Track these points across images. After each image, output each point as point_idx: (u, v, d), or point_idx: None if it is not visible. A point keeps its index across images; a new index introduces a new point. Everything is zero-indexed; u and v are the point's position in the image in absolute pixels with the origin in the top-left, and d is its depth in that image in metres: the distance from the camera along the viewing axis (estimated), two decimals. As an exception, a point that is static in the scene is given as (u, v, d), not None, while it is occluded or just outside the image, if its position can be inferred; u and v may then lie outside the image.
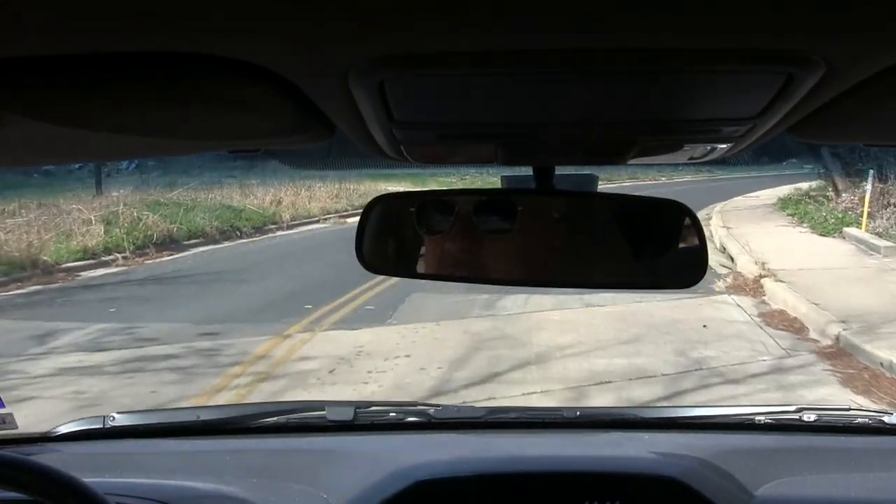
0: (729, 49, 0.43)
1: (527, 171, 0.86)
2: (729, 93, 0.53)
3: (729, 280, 8.50)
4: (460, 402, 4.08)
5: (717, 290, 8.06)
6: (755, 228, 12.46)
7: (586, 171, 0.91)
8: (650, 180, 27.05)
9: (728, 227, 12.66)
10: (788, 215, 14.45)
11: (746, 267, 9.00)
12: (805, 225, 12.82)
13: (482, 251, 0.88)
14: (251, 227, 14.46)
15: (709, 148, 0.77)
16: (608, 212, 0.91)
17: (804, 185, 19.44)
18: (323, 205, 17.47)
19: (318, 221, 16.28)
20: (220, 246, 12.90)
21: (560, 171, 0.86)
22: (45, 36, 0.39)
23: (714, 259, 10.02)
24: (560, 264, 0.90)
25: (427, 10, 0.37)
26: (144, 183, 18.49)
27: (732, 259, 9.84)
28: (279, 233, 14.72)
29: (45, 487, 0.94)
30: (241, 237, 13.88)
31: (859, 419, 1.58)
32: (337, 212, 17.27)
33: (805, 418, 1.54)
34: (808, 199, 15.85)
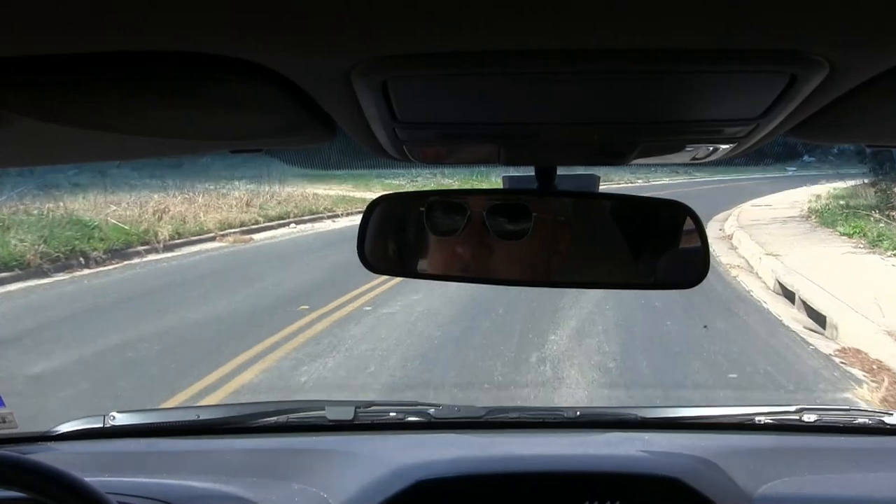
0: (732, 49, 0.43)
1: (527, 171, 0.87)
2: (732, 93, 0.53)
3: (882, 387, 4.39)
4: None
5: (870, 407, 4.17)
6: (814, 256, 8.76)
7: (586, 171, 0.92)
8: (625, 182, 24.24)
9: (775, 255, 8.92)
10: (844, 235, 10.76)
11: (871, 341, 5.18)
12: (890, 252, 9.10)
13: (484, 251, 0.89)
14: (105, 251, 10.23)
15: (711, 148, 0.76)
16: (611, 212, 0.92)
17: (820, 190, 16.26)
18: (224, 216, 13.30)
19: (213, 239, 12.16)
20: (42, 282, 8.70)
21: (561, 171, 0.87)
22: (45, 36, 0.39)
23: (788, 316, 6.24)
24: (563, 265, 0.91)
25: (430, 10, 0.37)
26: (38, 187, 14.30)
27: (823, 320, 6.02)
28: (149, 257, 10.61)
29: (46, 487, 0.95)
30: (86, 266, 9.69)
31: (859, 419, 1.57)
32: (242, 225, 13.14)
33: (805, 418, 1.54)
34: (848, 210, 12.40)
